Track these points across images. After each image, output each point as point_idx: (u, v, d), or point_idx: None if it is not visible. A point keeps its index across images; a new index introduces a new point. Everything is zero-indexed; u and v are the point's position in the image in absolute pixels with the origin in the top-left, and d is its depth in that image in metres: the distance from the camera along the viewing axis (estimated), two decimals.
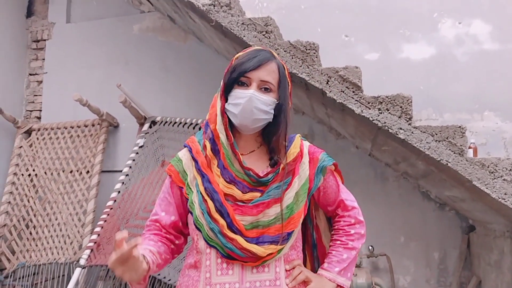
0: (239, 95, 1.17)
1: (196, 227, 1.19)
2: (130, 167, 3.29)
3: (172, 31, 3.78)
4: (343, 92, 2.35)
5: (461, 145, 2.09)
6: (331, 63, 2.45)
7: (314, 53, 2.47)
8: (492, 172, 2.03)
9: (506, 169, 2.04)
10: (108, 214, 3.11)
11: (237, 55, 1.24)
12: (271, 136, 1.23)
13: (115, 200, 3.15)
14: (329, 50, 3.14)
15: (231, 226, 1.14)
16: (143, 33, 3.88)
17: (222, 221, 1.15)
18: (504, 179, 2.03)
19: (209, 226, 1.15)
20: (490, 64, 3.02)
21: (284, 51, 2.48)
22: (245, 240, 1.14)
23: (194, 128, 3.29)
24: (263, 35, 2.54)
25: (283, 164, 1.20)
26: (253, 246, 1.13)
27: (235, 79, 1.18)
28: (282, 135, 1.21)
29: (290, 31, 3.04)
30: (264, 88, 1.18)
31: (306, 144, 1.29)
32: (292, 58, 2.46)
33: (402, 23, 3.21)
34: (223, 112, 1.20)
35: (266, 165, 1.22)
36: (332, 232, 1.31)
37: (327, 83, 2.38)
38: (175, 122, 3.38)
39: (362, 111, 2.28)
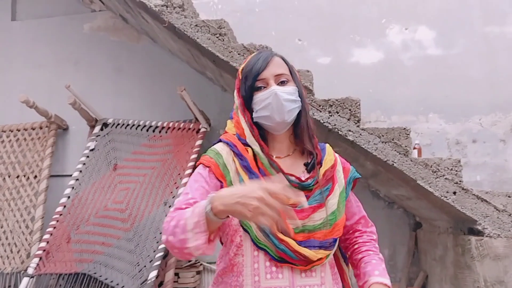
0: (262, 97, 1.17)
1: (243, 228, 1.13)
2: (81, 171, 3.18)
3: (125, 31, 3.69)
4: None
5: (406, 146, 2.19)
6: None
7: None
8: (435, 172, 2.14)
9: (448, 168, 2.16)
10: (57, 221, 2.99)
11: (241, 68, 1.24)
12: (300, 129, 1.23)
13: (64, 206, 3.04)
14: (283, 53, 3.18)
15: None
16: (94, 33, 3.76)
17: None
18: (446, 178, 2.15)
19: (260, 226, 1.10)
20: (434, 68, 3.18)
21: (238, 54, 2.49)
22: (296, 242, 1.11)
23: (147, 130, 3.23)
24: (217, 37, 2.54)
25: (322, 169, 1.20)
26: (304, 249, 1.11)
27: (251, 86, 1.18)
28: (304, 121, 1.21)
29: (244, 34, 3.06)
30: (281, 81, 1.18)
31: (335, 153, 1.31)
32: None
33: (353, 28, 3.32)
34: (252, 124, 1.19)
35: (302, 169, 1.21)
36: (359, 243, 1.29)
37: None
38: (128, 124, 3.31)
39: (313, 114, 2.34)
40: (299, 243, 1.11)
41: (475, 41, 3.16)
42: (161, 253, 2.70)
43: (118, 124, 3.35)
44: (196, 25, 2.55)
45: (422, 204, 2.43)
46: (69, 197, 3.07)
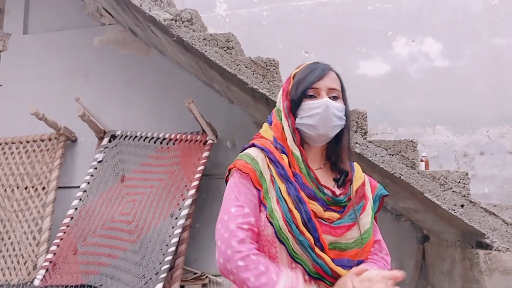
0: (312, 105, 1.16)
1: (278, 239, 1.10)
2: (88, 182, 3.20)
3: (134, 44, 3.75)
4: None
5: (413, 159, 2.18)
6: None
7: (274, 69, 2.52)
8: (442, 184, 2.13)
9: (455, 181, 2.15)
10: (64, 232, 3.00)
11: (293, 73, 1.24)
12: (337, 146, 1.22)
13: (72, 218, 3.06)
14: (290, 66, 3.20)
15: (317, 243, 1.09)
16: (104, 46, 3.82)
17: (309, 236, 1.08)
18: (453, 191, 2.13)
19: (298, 239, 1.08)
20: (441, 80, 3.18)
21: (245, 67, 2.52)
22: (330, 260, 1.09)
23: (155, 142, 3.26)
24: (225, 50, 2.57)
25: (354, 186, 1.19)
26: (339, 268, 1.09)
27: (303, 92, 1.17)
28: (346, 140, 1.22)
29: (252, 47, 3.10)
30: (333, 96, 1.19)
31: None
32: (253, 74, 2.50)
33: (359, 40, 3.34)
34: (295, 129, 1.19)
35: (332, 184, 1.21)
36: (368, 259, 1.24)
37: None
38: (136, 136, 3.33)
39: None
40: (332, 260, 1.10)
41: (482, 53, 3.16)
42: (167, 266, 2.70)
43: (126, 136, 3.38)
44: (204, 39, 2.59)
45: (430, 217, 2.41)
46: (76, 208, 3.09)
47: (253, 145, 1.21)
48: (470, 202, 2.11)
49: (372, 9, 3.38)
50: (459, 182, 2.13)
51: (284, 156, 1.16)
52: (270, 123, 1.25)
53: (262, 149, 1.17)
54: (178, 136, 3.21)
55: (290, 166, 1.15)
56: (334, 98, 1.18)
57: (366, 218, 1.17)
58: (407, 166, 2.18)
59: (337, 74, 1.23)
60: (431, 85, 3.19)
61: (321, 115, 1.15)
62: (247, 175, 1.13)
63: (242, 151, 1.23)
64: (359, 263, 1.14)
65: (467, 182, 2.14)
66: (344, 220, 1.14)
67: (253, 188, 1.13)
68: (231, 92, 3.07)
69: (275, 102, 2.47)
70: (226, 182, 1.20)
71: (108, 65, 3.76)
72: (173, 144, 3.20)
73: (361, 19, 3.36)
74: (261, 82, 2.49)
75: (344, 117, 1.20)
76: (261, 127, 1.29)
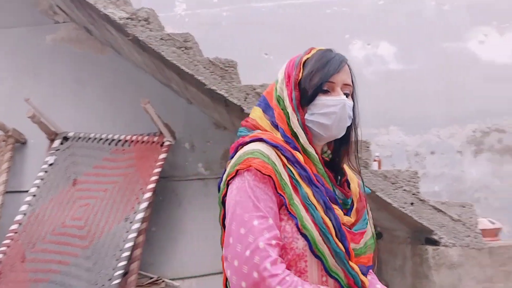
0: (328, 103, 1.03)
1: (314, 254, 0.96)
2: (38, 186, 3.06)
3: (89, 42, 3.63)
4: None
5: (366, 159, 2.23)
6: (252, 80, 2.51)
7: (233, 70, 2.52)
8: (393, 183, 2.19)
9: (406, 180, 2.21)
10: (12, 239, 2.86)
11: (304, 58, 1.09)
12: (341, 145, 1.12)
13: (20, 223, 2.91)
14: (249, 67, 3.21)
15: (347, 252, 0.99)
16: (57, 44, 3.67)
17: (341, 246, 0.97)
18: (404, 189, 2.20)
19: (335, 251, 0.96)
20: (395, 82, 3.28)
21: (204, 68, 2.49)
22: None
23: (110, 143, 3.16)
24: (182, 50, 2.53)
25: (354, 188, 1.11)
26: (366, 278, 1.01)
27: (319, 86, 1.03)
28: (353, 140, 1.13)
29: (211, 47, 3.05)
30: (345, 93, 1.07)
31: None
32: (211, 74, 2.48)
33: (317, 43, 3.33)
34: (305, 125, 1.04)
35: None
36: None
37: (245, 99, 2.43)
38: (89, 138, 3.22)
39: None
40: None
41: (434, 56, 3.29)
42: (121, 271, 2.63)
43: (79, 138, 3.26)
44: (161, 38, 2.54)
45: (382, 215, 2.47)
46: (25, 214, 2.95)
47: (260, 140, 1.02)
48: (420, 200, 2.18)
49: (330, 12, 3.44)
50: (409, 181, 2.20)
51: (298, 154, 1.01)
52: (265, 109, 1.10)
53: (275, 146, 1.00)
54: (134, 138, 3.14)
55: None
56: (347, 95, 1.08)
57: (371, 220, 1.12)
58: (360, 166, 2.23)
59: (349, 67, 1.11)
60: (385, 87, 3.28)
61: (337, 115, 1.03)
62: (267, 179, 0.96)
63: (240, 145, 1.05)
64: (370, 268, 1.07)
65: (417, 181, 2.21)
66: (361, 225, 1.07)
67: (272, 194, 0.97)
68: (189, 92, 3.03)
69: (234, 103, 2.48)
70: (227, 185, 1.01)
71: (61, 64, 3.62)
72: (129, 145, 3.12)
73: (319, 21, 3.41)
74: (219, 83, 2.47)
75: (352, 116, 1.09)
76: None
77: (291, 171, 0.99)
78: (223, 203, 1.03)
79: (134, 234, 2.75)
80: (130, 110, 3.37)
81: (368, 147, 2.26)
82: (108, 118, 3.44)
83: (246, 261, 0.89)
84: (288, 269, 0.94)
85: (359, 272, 0.99)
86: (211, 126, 3.34)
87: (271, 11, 3.49)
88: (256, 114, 1.11)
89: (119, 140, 3.17)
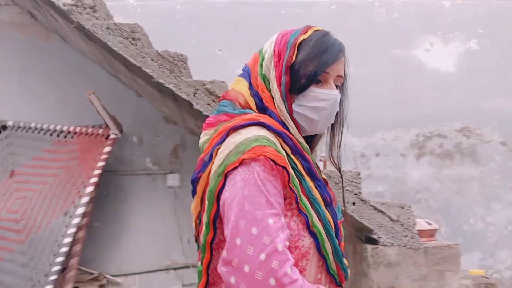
0: (319, 96, 0.93)
1: (320, 254, 0.90)
2: None
3: (33, 27, 3.43)
4: (209, 105, 2.39)
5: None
6: (205, 76, 2.47)
7: (182, 64, 2.47)
8: (337, 183, 2.23)
9: (349, 180, 2.27)
10: None
11: (300, 39, 0.94)
12: (314, 136, 1.04)
13: None
14: (202, 62, 3.18)
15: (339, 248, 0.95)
16: None
17: (337, 243, 0.94)
18: (347, 189, 2.25)
19: (336, 249, 0.91)
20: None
21: (152, 60, 2.43)
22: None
23: (51, 135, 3.02)
24: (130, 41, 2.46)
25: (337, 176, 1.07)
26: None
27: (313, 75, 0.92)
28: (339, 138, 1.05)
29: (163, 40, 2.98)
30: (337, 84, 0.99)
31: None
32: (160, 67, 2.43)
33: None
34: (292, 115, 0.94)
35: None
36: None
37: (194, 95, 2.40)
38: (30, 128, 3.05)
39: None
40: None
41: (383, 62, 3.40)
42: (58, 267, 2.52)
43: (19, 127, 3.08)
44: (107, 28, 2.45)
45: None
46: None
47: (259, 124, 0.88)
48: (361, 200, 2.24)
49: (284, 12, 3.46)
50: (352, 181, 2.25)
51: (301, 143, 0.92)
52: (249, 84, 0.96)
53: (278, 133, 0.88)
54: (77, 129, 3.01)
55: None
56: (337, 86, 0.99)
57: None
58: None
59: (344, 56, 1.01)
60: None
61: (327, 111, 0.95)
62: (278, 171, 0.84)
63: (233, 128, 0.88)
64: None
65: (359, 182, 2.27)
66: (340, 215, 1.02)
67: (281, 188, 0.85)
68: (138, 85, 2.95)
69: (183, 98, 2.43)
70: (225, 176, 0.85)
71: (3, 50, 3.40)
72: (72, 137, 2.99)
73: (274, 21, 3.42)
74: (168, 76, 2.42)
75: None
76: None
77: (294, 162, 0.89)
78: (217, 198, 0.86)
79: (74, 229, 2.64)
80: (76, 101, 3.23)
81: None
82: (52, 108, 3.27)
83: (260, 266, 0.77)
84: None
85: (347, 267, 0.96)
86: (161, 120, 3.26)
87: (226, 7, 3.46)
88: (242, 87, 0.96)
89: (62, 131, 3.03)
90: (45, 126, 3.04)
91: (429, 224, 2.46)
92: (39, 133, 3.03)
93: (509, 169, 3.35)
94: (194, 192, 0.94)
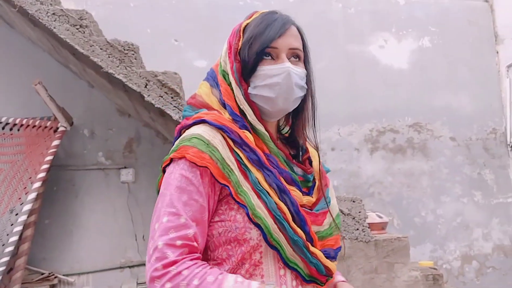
0: (270, 72, 0.91)
1: (269, 245, 0.87)
2: None
3: None
4: (162, 97, 2.32)
5: None
6: (161, 67, 2.39)
7: (133, 54, 2.38)
8: None
9: None
10: None
11: (244, 24, 0.96)
12: (296, 119, 1.01)
13: None
14: (158, 52, 3.09)
15: (308, 238, 0.90)
16: None
17: (301, 232, 0.88)
18: None
19: (292, 239, 0.87)
20: None
21: (100, 49, 2.32)
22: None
23: None
24: (77, 29, 2.34)
25: (315, 165, 1.02)
26: (331, 263, 0.92)
27: (259, 53, 0.91)
28: (310, 110, 1.00)
29: (117, 28, 2.89)
30: (293, 58, 0.96)
31: None
32: (109, 57, 2.33)
33: (228, 33, 3.34)
34: (250, 99, 0.93)
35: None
36: None
37: (145, 86, 2.32)
38: None
39: (179, 117, 2.27)
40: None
41: (338, 57, 3.43)
42: (3, 267, 2.38)
43: None
44: (53, 14, 2.32)
45: None
46: None
47: (202, 121, 0.90)
48: None
49: (242, 4, 3.42)
50: None
51: (248, 134, 0.91)
52: (212, 84, 0.98)
53: (220, 128, 0.89)
54: (24, 122, 2.85)
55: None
56: (295, 59, 0.96)
57: (334, 199, 1.03)
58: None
59: (299, 29, 1.00)
60: None
61: (281, 85, 0.91)
62: (203, 170, 0.86)
63: (183, 127, 0.93)
64: (338, 251, 0.98)
65: None
66: (323, 205, 0.97)
67: (209, 186, 0.87)
68: (88, 75, 2.83)
69: (133, 90, 2.35)
70: (163, 172, 0.91)
71: None
72: (18, 130, 2.83)
73: (232, 13, 3.38)
74: (118, 66, 2.32)
75: (305, 86, 0.98)
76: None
77: (238, 155, 0.89)
78: (158, 191, 0.92)
79: (20, 227, 2.51)
80: (24, 91, 3.06)
81: None
82: None
83: (148, 258, 0.82)
84: (243, 263, 0.87)
85: (323, 258, 0.90)
86: (114, 112, 3.15)
87: None
88: (202, 89, 0.99)
89: (7, 124, 2.86)
90: None
91: (380, 217, 2.52)
92: None
93: (457, 163, 3.49)
94: None
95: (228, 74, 0.95)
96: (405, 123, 3.45)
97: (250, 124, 0.92)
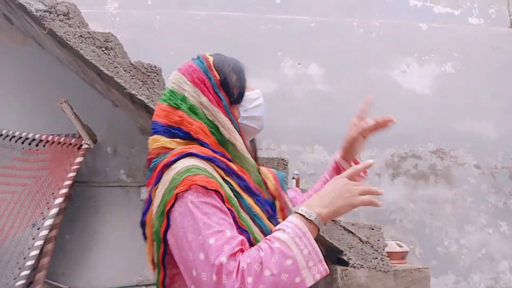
0: (253, 96, 1.05)
1: None
2: None
3: (9, 32, 3.36)
4: None
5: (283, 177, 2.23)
6: None
7: (156, 76, 2.44)
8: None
9: None
10: None
11: (211, 61, 1.03)
12: (252, 142, 1.11)
13: None
14: None
15: None
16: None
17: None
18: None
19: None
20: (321, 102, 3.36)
21: (124, 71, 2.40)
22: None
23: (23, 142, 2.94)
24: (102, 51, 2.43)
25: (271, 185, 1.06)
26: None
27: (244, 85, 1.04)
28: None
29: (142, 50, 2.98)
30: None
31: None
32: (132, 78, 2.39)
33: (250, 57, 3.34)
34: (240, 129, 1.00)
35: None
36: None
37: None
38: (1, 135, 2.98)
39: None
40: None
41: (358, 81, 3.40)
42: (23, 281, 2.42)
43: None
44: (80, 36, 2.42)
45: None
46: None
47: (188, 154, 0.91)
48: (331, 220, 2.22)
49: (264, 28, 3.47)
50: None
51: (233, 165, 0.95)
52: (165, 132, 0.97)
53: (209, 159, 0.91)
54: (49, 138, 2.94)
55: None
56: None
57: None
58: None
59: None
60: (312, 106, 3.35)
61: (263, 105, 1.07)
62: (214, 194, 0.85)
63: (165, 166, 0.91)
64: None
65: None
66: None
67: (222, 205, 0.86)
68: (112, 95, 2.90)
69: (154, 110, 2.40)
70: (167, 215, 0.86)
71: None
72: (43, 146, 2.91)
73: (254, 36, 3.43)
74: (141, 88, 2.39)
75: None
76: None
77: (229, 183, 0.92)
78: (164, 239, 0.87)
79: (41, 242, 2.56)
80: (51, 109, 3.15)
81: (286, 164, 2.28)
82: (26, 115, 3.20)
83: (215, 286, 0.77)
84: None
85: None
86: (136, 131, 3.21)
87: (206, 20, 3.45)
88: (160, 142, 0.97)
89: (34, 140, 2.96)
90: (17, 134, 2.97)
91: (400, 246, 2.45)
92: (10, 140, 2.96)
93: (482, 192, 3.37)
94: (144, 236, 0.97)
95: (203, 109, 0.97)
96: (427, 149, 3.37)
97: (235, 155, 0.97)
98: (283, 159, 2.29)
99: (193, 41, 3.39)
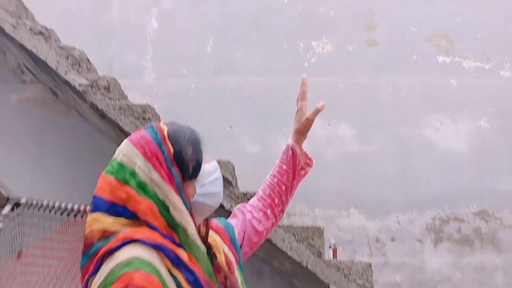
0: (211, 169, 0.98)
1: None
2: None
3: (54, 105, 3.57)
4: None
5: (319, 246, 2.16)
6: (216, 153, 2.47)
7: None
8: (346, 276, 2.11)
9: (359, 272, 2.14)
10: None
11: (165, 133, 0.95)
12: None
13: None
14: (214, 139, 3.21)
15: None
16: (22, 104, 3.60)
17: None
18: (357, 283, 2.11)
19: None
20: (354, 163, 3.31)
21: None
22: None
23: (62, 213, 2.99)
24: (140, 121, 2.53)
25: (223, 260, 1.00)
26: None
27: (201, 153, 0.96)
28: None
29: (177, 117, 3.04)
30: None
31: None
32: None
33: (281, 120, 3.43)
34: (191, 208, 0.91)
35: None
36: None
37: None
38: (42, 205, 3.04)
39: (231, 206, 2.29)
40: None
41: (390, 140, 3.36)
42: None
43: (32, 205, 3.07)
44: (120, 108, 2.54)
45: None
46: None
47: (134, 241, 0.83)
48: None
49: (293, 91, 3.49)
50: (363, 274, 2.12)
51: (182, 252, 0.86)
52: (109, 209, 0.88)
53: (156, 247, 0.83)
54: (87, 208, 2.98)
55: None
56: None
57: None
58: (313, 254, 2.15)
59: None
60: (345, 168, 3.31)
61: (220, 179, 0.99)
62: None
63: (107, 253, 0.83)
64: None
65: (370, 274, 2.14)
66: None
67: None
68: None
69: None
70: None
71: (23, 125, 3.52)
72: (81, 217, 2.94)
73: (283, 100, 3.49)
74: None
75: None
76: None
77: (176, 278, 0.83)
78: None
79: None
80: (90, 179, 3.23)
81: (321, 233, 2.21)
82: (66, 185, 3.29)
83: None
84: None
85: None
86: None
87: (238, 86, 3.57)
88: (101, 224, 0.87)
89: (72, 210, 2.99)
90: (56, 204, 3.02)
91: None
92: (50, 211, 3.00)
93: None
94: None
95: (153, 187, 0.89)
96: (469, 210, 3.20)
97: (185, 240, 0.88)
98: (318, 228, 2.22)
99: (226, 108, 3.50)
